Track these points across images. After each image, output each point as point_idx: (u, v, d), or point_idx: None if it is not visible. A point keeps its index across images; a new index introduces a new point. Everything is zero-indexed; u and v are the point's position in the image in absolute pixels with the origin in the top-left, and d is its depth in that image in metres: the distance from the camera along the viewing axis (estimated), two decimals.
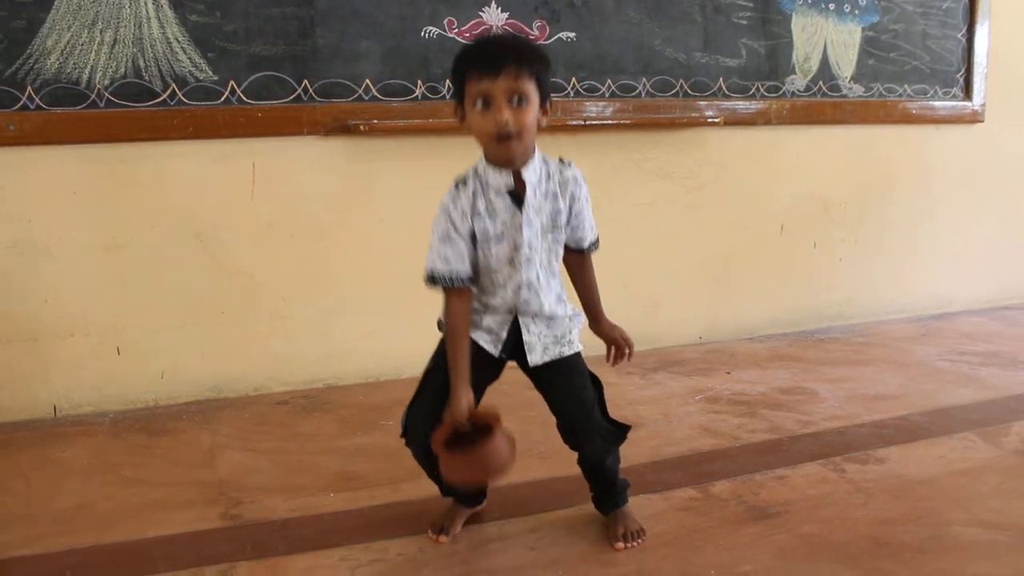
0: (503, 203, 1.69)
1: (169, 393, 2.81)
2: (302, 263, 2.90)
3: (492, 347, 1.80)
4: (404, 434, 1.80)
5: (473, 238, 1.71)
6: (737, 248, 3.52)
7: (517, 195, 1.70)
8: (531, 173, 1.69)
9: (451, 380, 1.70)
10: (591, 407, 1.81)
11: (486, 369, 1.81)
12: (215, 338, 2.83)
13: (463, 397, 1.69)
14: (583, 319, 1.86)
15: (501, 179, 1.68)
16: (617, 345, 1.87)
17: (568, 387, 1.81)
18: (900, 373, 3.05)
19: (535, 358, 1.78)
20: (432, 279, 1.72)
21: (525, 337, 1.78)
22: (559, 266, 1.81)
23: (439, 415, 1.71)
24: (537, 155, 1.71)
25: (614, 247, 3.21)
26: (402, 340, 2.97)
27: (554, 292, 1.79)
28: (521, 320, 1.78)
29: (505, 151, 1.64)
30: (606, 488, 1.93)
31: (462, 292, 1.72)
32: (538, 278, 1.75)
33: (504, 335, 1.79)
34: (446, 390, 1.72)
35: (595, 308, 1.90)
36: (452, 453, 1.63)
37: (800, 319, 3.66)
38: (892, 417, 2.60)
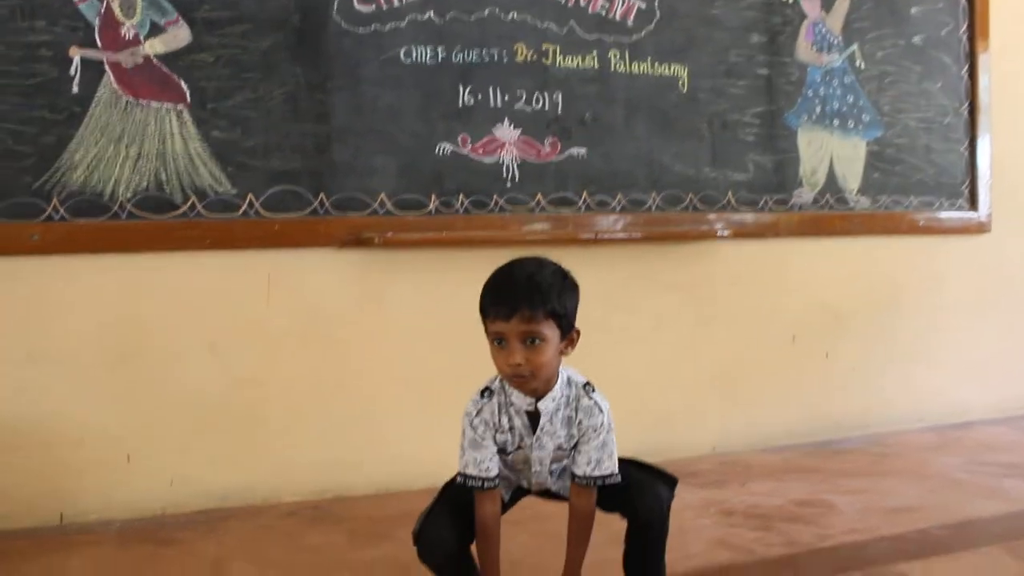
0: (521, 422, 1.76)
1: (177, 502, 2.78)
2: (315, 373, 2.91)
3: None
4: (417, 542, 1.75)
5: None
6: (749, 359, 3.52)
7: (535, 416, 1.75)
8: (549, 401, 1.74)
9: None
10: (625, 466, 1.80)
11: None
12: (226, 447, 2.82)
13: None
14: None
15: (523, 401, 1.74)
16: None
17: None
18: (919, 485, 2.99)
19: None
20: (465, 480, 1.76)
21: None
22: None
23: (459, 526, 1.73)
24: (561, 379, 1.76)
25: (626, 359, 3.24)
26: (413, 451, 2.95)
27: (566, 484, 1.84)
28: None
29: (520, 387, 1.72)
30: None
31: (493, 493, 1.76)
32: (550, 480, 1.83)
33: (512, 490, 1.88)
34: (466, 502, 1.74)
35: (571, 567, 1.80)
36: None
37: (815, 429, 3.62)
38: (912, 530, 2.54)
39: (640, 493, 1.77)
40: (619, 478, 1.76)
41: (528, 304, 1.63)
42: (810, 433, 3.60)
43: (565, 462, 1.80)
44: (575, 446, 1.77)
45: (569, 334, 1.72)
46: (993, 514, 2.68)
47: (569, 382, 1.77)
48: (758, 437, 3.52)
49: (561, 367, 1.77)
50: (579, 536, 1.79)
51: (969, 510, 2.71)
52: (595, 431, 1.75)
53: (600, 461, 1.75)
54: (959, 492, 2.90)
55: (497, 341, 1.67)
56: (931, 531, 2.53)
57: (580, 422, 1.75)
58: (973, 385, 3.96)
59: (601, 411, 1.76)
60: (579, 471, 1.76)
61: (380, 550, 2.43)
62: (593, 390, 1.77)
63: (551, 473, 1.81)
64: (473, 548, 1.78)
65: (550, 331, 1.66)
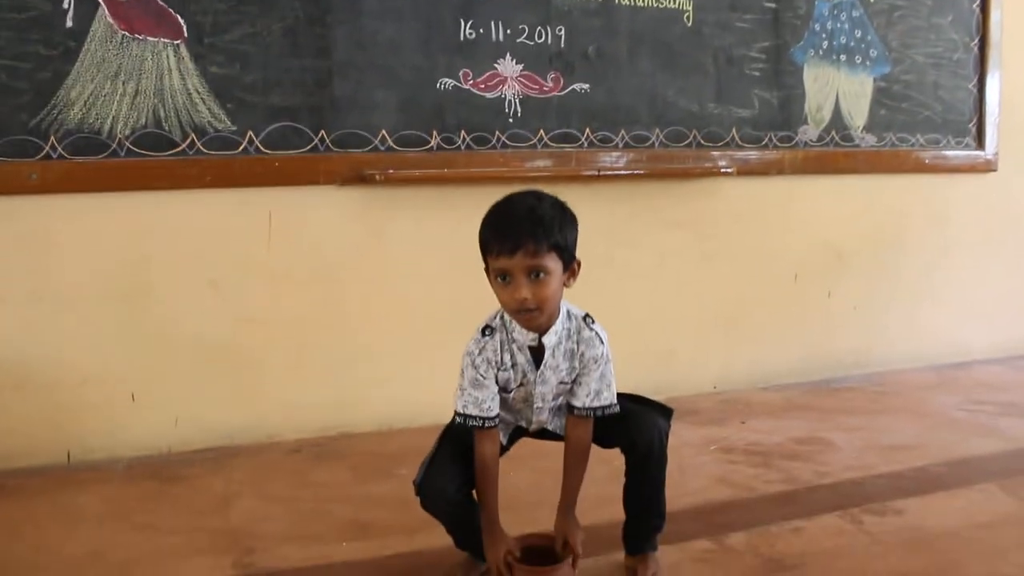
0: (524, 357, 1.74)
1: (183, 440, 2.80)
2: (317, 311, 2.91)
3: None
4: (419, 492, 1.77)
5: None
6: (751, 297, 3.52)
7: (538, 351, 1.74)
8: (552, 335, 1.73)
9: (483, 523, 1.75)
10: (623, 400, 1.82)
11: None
12: (229, 385, 2.84)
13: (499, 543, 1.74)
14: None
15: (525, 337, 1.73)
16: (564, 547, 1.78)
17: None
18: (917, 423, 3.02)
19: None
20: (465, 420, 1.74)
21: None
22: None
23: (460, 475, 1.74)
24: (562, 313, 1.75)
25: (628, 296, 3.24)
26: (416, 388, 2.97)
27: (562, 423, 1.85)
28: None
29: (526, 323, 1.70)
30: (645, 510, 1.88)
31: (493, 432, 1.76)
32: (548, 418, 1.84)
33: (510, 432, 1.88)
34: (466, 448, 1.75)
35: (568, 495, 1.81)
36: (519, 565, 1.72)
37: (815, 368, 3.64)
38: (910, 468, 2.57)
39: (637, 425, 1.79)
40: (617, 408, 1.77)
41: (532, 238, 1.60)
42: (810, 371, 3.63)
43: (562, 399, 1.81)
44: (575, 379, 1.77)
45: (571, 265, 1.70)
46: (989, 452, 2.71)
47: (569, 315, 1.77)
48: (759, 375, 3.54)
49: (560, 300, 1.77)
50: (575, 468, 1.80)
51: (965, 448, 2.74)
52: (595, 362, 1.75)
53: (599, 392, 1.76)
54: (956, 431, 2.93)
55: (501, 277, 1.64)
56: (928, 468, 2.56)
57: (582, 354, 1.75)
58: (976, 324, 3.96)
59: (602, 342, 1.76)
60: (578, 402, 1.76)
61: (383, 485, 2.47)
62: (593, 321, 1.78)
63: (550, 411, 1.82)
64: (474, 493, 1.79)
65: (554, 264, 1.64)
